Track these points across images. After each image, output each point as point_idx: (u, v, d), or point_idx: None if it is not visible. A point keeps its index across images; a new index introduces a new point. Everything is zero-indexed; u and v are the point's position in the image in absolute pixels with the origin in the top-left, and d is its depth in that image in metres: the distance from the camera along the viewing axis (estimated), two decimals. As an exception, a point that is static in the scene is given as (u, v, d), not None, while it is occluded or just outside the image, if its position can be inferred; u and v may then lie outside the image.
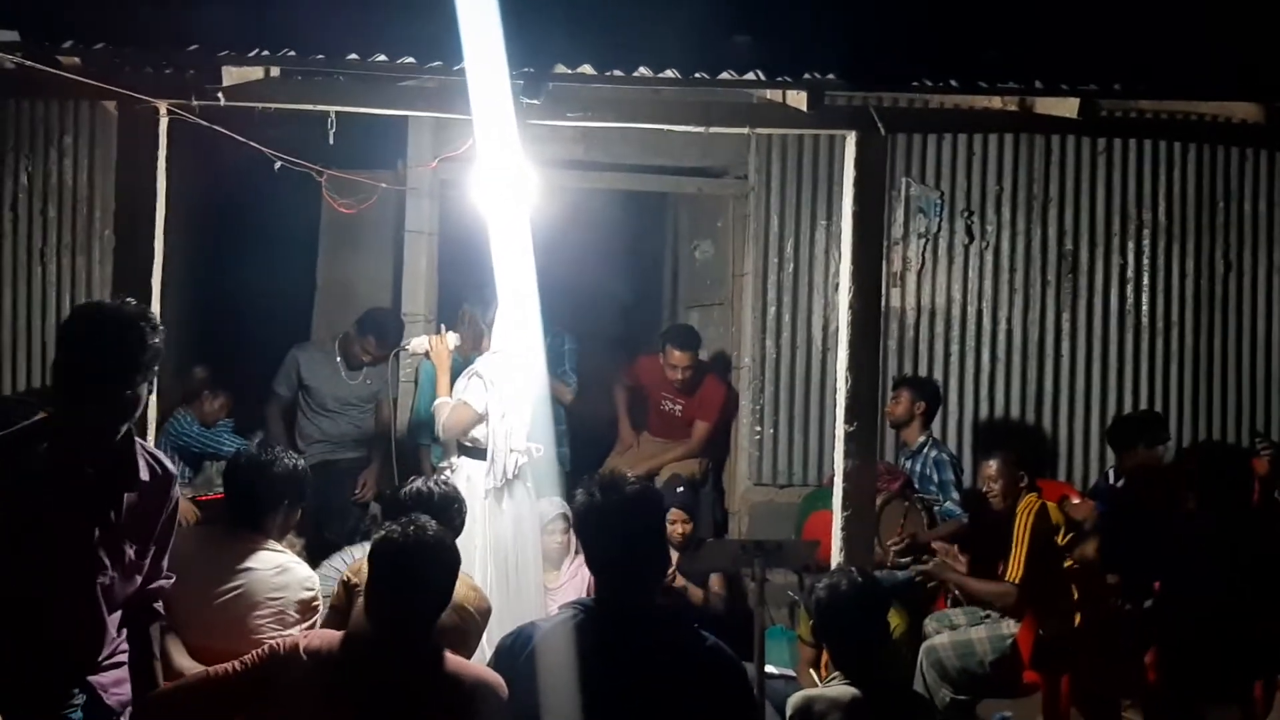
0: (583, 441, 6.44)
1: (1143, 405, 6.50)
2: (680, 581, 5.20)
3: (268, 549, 3.43)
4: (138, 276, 4.02)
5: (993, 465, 4.93)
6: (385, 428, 6.05)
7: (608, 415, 6.72)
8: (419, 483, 3.79)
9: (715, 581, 5.48)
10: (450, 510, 3.67)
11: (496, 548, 4.65)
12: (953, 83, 4.04)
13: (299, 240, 6.58)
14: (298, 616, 3.38)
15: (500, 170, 4.33)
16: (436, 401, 4.88)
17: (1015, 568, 4.65)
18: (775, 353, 6.50)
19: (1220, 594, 4.17)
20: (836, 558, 4.26)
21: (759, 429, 6.51)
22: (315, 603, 3.46)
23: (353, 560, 4.48)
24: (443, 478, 3.98)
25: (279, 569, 3.39)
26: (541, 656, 2.48)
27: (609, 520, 2.54)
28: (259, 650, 2.75)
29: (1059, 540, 4.72)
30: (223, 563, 3.35)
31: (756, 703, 2.62)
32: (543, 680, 2.44)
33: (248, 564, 3.36)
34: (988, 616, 4.82)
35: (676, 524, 5.29)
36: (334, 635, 2.73)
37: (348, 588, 3.56)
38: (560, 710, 2.41)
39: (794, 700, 2.89)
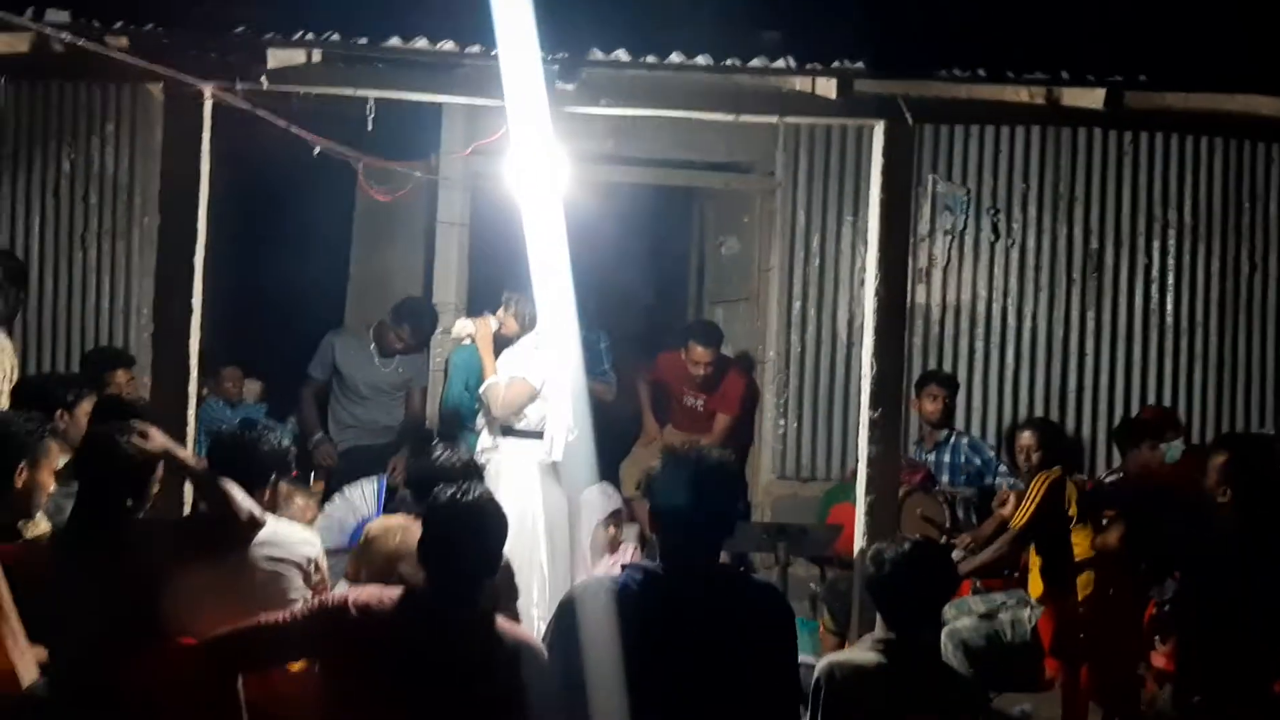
0: (606, 435, 6.50)
1: (1165, 405, 6.52)
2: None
3: None
4: (181, 258, 4.12)
5: (1029, 435, 5.00)
6: (416, 415, 6.18)
7: (631, 410, 6.78)
8: (442, 456, 3.81)
9: None
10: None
11: (549, 523, 4.75)
12: (980, 72, 4.10)
13: (332, 231, 6.69)
14: (299, 575, 3.37)
15: (533, 158, 4.41)
16: (487, 382, 4.97)
17: (1021, 516, 4.73)
18: (800, 347, 6.55)
19: (1243, 590, 4.18)
20: (860, 544, 4.31)
21: (783, 423, 6.56)
22: (317, 561, 3.46)
23: (359, 494, 4.54)
24: (459, 452, 3.98)
25: (271, 534, 3.36)
26: (602, 612, 2.55)
27: (687, 486, 2.62)
28: (307, 603, 2.82)
29: (1070, 511, 4.77)
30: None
31: (796, 645, 2.72)
32: (604, 635, 2.51)
33: None
34: (1004, 604, 4.86)
35: None
36: (384, 592, 2.80)
37: (369, 543, 3.65)
38: (617, 665, 2.48)
39: (820, 666, 2.96)
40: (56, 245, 6.17)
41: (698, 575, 2.62)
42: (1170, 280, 6.59)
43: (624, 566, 2.69)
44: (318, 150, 4.40)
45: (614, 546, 5.24)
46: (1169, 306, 6.59)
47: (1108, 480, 5.48)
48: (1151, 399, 6.54)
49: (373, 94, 4.22)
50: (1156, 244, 6.57)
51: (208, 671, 2.86)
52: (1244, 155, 6.54)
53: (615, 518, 5.22)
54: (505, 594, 3.38)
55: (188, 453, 3.91)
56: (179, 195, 4.10)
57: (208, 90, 4.03)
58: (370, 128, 4.33)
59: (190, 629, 3.08)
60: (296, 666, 3.11)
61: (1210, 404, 6.61)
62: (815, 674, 2.91)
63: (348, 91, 4.20)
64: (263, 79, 4.00)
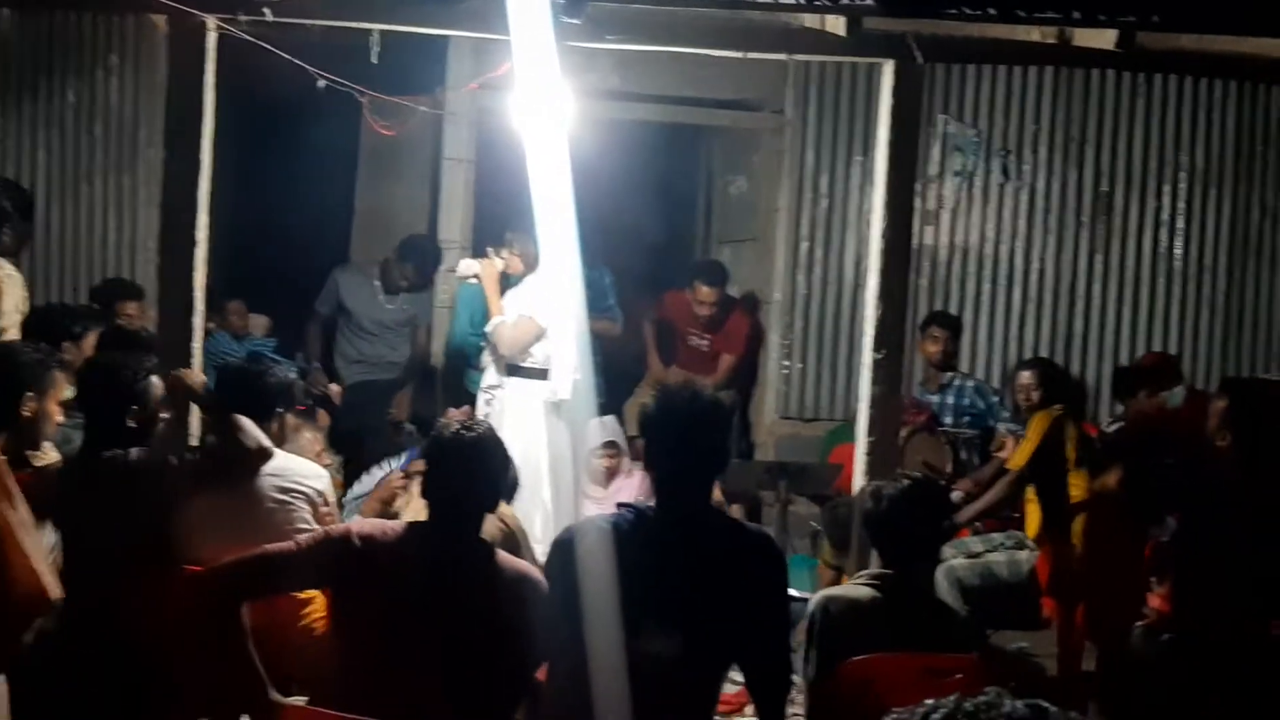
0: (611, 375, 6.53)
1: (1172, 350, 6.52)
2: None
3: None
4: (186, 191, 4.13)
5: (1029, 374, 5.03)
6: (421, 351, 6.22)
7: (636, 350, 6.80)
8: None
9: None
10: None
11: (553, 461, 4.80)
12: (991, 11, 4.05)
13: (337, 166, 6.67)
14: (307, 507, 3.42)
15: (539, 93, 4.38)
16: (494, 321, 5.00)
17: (1020, 456, 4.76)
18: (806, 288, 6.55)
19: (1240, 532, 4.21)
20: (860, 483, 4.35)
21: (787, 363, 6.58)
22: (325, 494, 3.51)
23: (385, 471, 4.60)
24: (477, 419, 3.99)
25: (279, 466, 3.42)
26: (598, 550, 2.55)
27: (679, 423, 2.59)
28: (313, 534, 2.87)
29: (1069, 453, 4.80)
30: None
31: (787, 593, 2.71)
32: (596, 572, 2.52)
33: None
34: (1001, 545, 4.90)
35: None
36: (387, 524, 2.85)
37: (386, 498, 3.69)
38: (612, 600, 2.49)
39: (814, 600, 3.01)
40: (62, 178, 6.14)
41: (688, 516, 2.60)
42: (1180, 224, 6.54)
43: (619, 505, 2.68)
44: (322, 84, 4.37)
45: (610, 476, 5.30)
46: (1178, 251, 6.56)
47: (1110, 429, 5.49)
48: (1158, 344, 6.53)
49: (377, 26, 4.19)
50: (1167, 188, 6.52)
51: (212, 599, 2.91)
52: (1257, 98, 6.46)
53: (612, 447, 5.27)
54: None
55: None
56: (183, 128, 4.11)
57: (211, 22, 4.02)
58: (375, 61, 4.30)
59: (198, 558, 3.13)
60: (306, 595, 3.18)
61: (1217, 349, 6.59)
62: (810, 608, 2.95)
63: (352, 24, 4.17)
64: (266, 11, 3.97)
